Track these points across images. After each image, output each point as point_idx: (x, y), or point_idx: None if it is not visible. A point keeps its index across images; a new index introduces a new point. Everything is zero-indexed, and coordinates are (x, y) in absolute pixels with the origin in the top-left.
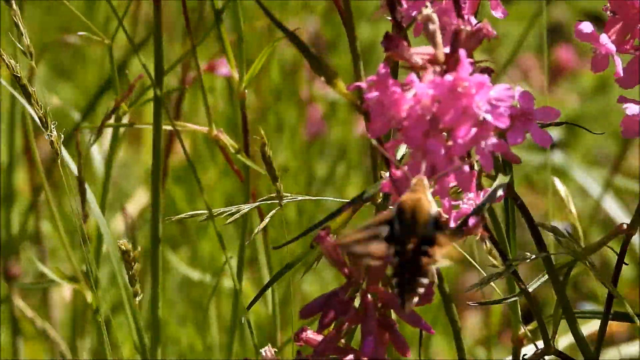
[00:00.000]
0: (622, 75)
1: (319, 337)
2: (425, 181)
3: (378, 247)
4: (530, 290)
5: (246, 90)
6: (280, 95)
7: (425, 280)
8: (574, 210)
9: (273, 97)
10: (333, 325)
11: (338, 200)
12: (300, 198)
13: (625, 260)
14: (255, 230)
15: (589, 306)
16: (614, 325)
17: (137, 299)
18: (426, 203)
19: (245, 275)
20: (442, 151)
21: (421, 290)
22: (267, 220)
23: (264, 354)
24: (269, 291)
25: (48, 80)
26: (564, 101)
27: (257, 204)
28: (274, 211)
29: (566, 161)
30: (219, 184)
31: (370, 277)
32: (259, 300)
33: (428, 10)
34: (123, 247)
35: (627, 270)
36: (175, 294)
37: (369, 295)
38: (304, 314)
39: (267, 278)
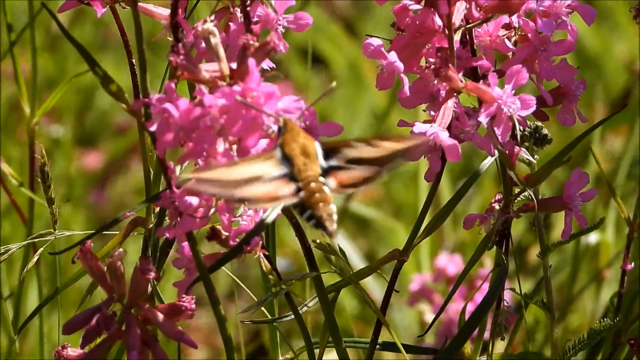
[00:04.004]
0: (407, 94)
1: (81, 353)
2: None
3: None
4: (304, 309)
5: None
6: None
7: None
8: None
9: None
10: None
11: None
12: (76, 232)
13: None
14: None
15: None
16: None
17: None
18: (311, 139)
19: None
20: None
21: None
22: (38, 254)
23: None
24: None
25: None
26: None
27: (28, 241)
28: (43, 247)
29: None
30: None
31: (132, 292)
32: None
33: (209, 25)
34: None
35: (353, 306)
36: None
37: (132, 311)
38: (67, 328)
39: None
